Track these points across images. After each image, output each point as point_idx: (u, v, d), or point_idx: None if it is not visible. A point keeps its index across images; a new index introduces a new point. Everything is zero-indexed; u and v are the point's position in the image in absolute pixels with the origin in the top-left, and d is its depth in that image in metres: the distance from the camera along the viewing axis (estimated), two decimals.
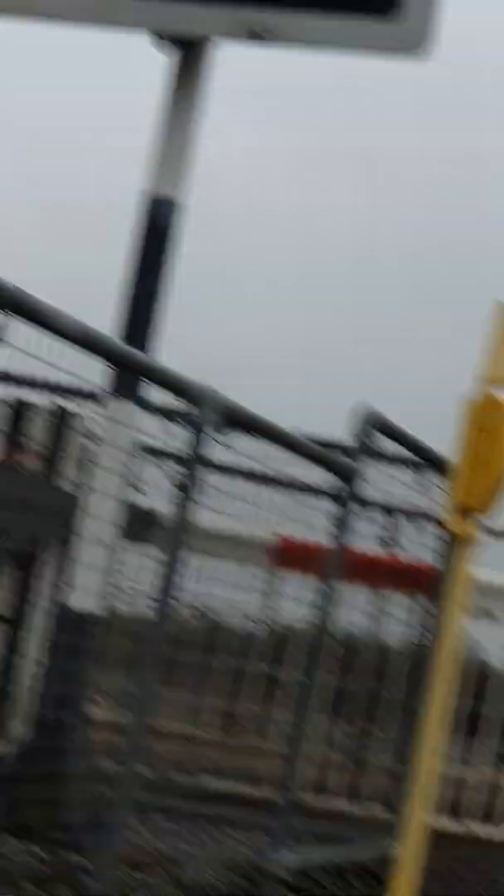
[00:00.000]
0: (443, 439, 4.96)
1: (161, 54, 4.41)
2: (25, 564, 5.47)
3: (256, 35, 4.25)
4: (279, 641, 7.21)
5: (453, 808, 7.28)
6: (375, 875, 5.78)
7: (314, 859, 5.60)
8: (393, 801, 6.07)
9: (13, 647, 5.45)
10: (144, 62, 4.54)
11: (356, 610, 6.45)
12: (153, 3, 4.48)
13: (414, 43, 4.17)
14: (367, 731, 7.06)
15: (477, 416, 4.56)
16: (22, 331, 3.33)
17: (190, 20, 4.42)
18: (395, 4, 4.17)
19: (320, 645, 5.25)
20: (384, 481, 5.86)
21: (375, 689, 7.05)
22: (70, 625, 4.88)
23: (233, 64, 4.49)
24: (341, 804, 7.02)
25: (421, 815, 5.06)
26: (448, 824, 7.19)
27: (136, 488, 5.21)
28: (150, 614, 4.51)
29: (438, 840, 5.91)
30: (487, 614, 7.58)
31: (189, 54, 4.42)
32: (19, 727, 5.45)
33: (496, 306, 4.59)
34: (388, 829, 5.77)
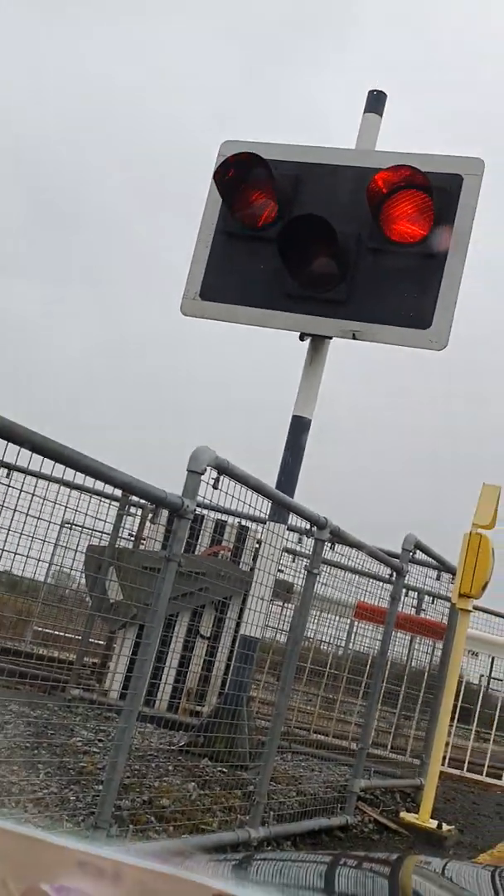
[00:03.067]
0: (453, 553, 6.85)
1: (302, 343, 6.51)
2: (220, 608, 6.93)
3: (353, 335, 6.22)
4: (357, 661, 8.36)
5: (452, 760, 8.65)
6: (409, 795, 7.09)
7: (375, 784, 6.69)
8: (421, 754, 7.47)
9: (212, 654, 6.96)
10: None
11: (401, 646, 7.61)
12: (298, 316, 6.34)
13: (438, 343, 6.24)
14: (406, 714, 8.22)
15: (471, 543, 6.59)
16: (224, 483, 5.12)
17: (317, 326, 6.31)
18: (428, 321, 6.15)
19: (381, 664, 6.48)
20: (420, 576, 7.32)
21: (410, 691, 8.11)
22: (243, 644, 5.99)
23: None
24: (390, 754, 7.98)
25: (436, 764, 6.61)
26: (450, 770, 8.53)
27: (282, 571, 6.58)
28: (288, 641, 5.42)
29: (444, 778, 7.44)
30: (472, 653, 9.16)
31: (317, 345, 6.46)
32: (213, 699, 6.75)
33: (483, 487, 6.61)
34: (418, 771, 7.23)
